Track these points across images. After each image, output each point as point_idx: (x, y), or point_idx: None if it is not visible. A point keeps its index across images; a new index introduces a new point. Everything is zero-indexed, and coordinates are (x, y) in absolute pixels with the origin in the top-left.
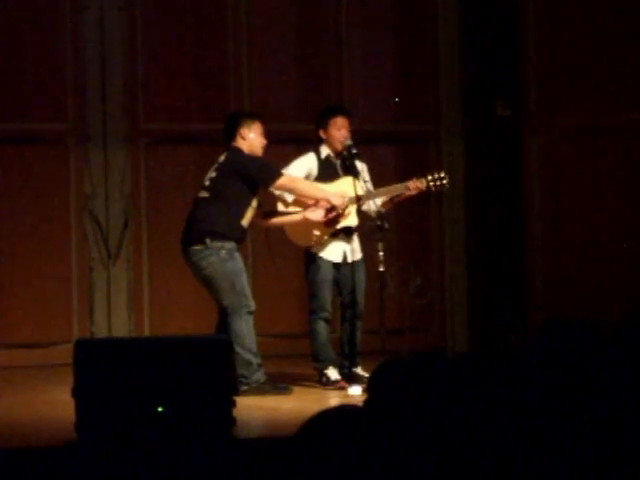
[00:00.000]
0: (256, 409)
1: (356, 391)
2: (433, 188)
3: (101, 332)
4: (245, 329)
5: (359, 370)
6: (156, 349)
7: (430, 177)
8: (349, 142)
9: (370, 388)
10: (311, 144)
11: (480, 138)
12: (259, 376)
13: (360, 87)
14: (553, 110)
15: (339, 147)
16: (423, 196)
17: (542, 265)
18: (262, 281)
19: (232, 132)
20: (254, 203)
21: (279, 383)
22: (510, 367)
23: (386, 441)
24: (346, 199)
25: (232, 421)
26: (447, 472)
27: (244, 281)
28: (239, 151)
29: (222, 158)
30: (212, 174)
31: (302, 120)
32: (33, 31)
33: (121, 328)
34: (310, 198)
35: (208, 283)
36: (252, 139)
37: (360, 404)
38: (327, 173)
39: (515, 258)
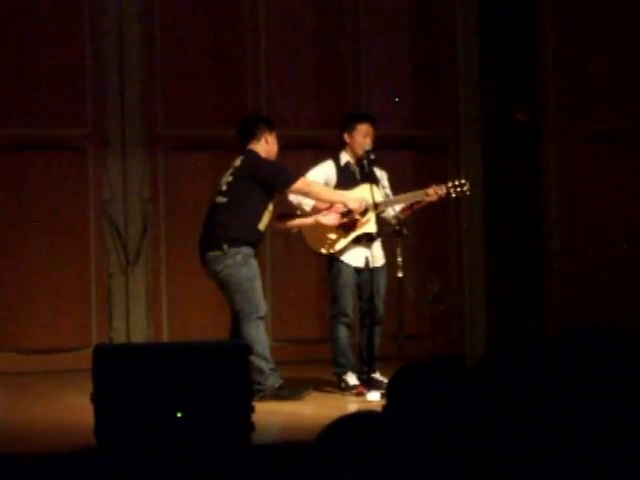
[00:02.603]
0: (274, 414)
1: (375, 396)
2: (454, 194)
3: (120, 337)
4: (255, 334)
5: (378, 375)
6: (175, 354)
7: (450, 184)
8: (368, 147)
9: (389, 393)
10: (329, 150)
11: (498, 143)
12: (273, 381)
13: (378, 93)
14: (571, 115)
15: (360, 153)
16: (442, 202)
17: (561, 270)
18: (282, 286)
19: (251, 133)
20: (271, 207)
21: (297, 387)
22: (528, 373)
23: (404, 447)
24: (363, 203)
25: (251, 426)
26: (465, 477)
27: (257, 287)
28: (255, 154)
29: (238, 162)
30: (228, 178)
31: (320, 126)
32: (51, 37)
33: (140, 333)
34: (326, 201)
35: (222, 287)
36: (272, 145)
37: (378, 409)
38: (346, 180)
39: (534, 263)
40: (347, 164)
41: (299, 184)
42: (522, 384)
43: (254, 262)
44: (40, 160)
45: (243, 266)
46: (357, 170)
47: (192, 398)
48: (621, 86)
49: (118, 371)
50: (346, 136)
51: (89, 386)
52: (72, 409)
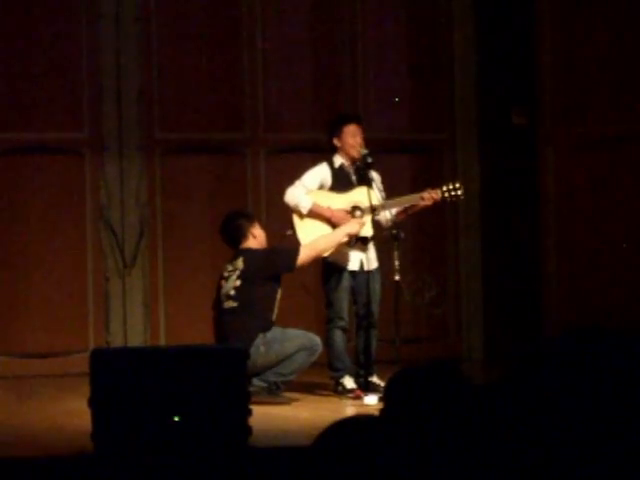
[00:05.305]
0: (272, 418)
1: (372, 400)
2: (448, 199)
3: (117, 341)
4: (303, 362)
5: (375, 379)
6: (172, 358)
7: (445, 187)
8: (365, 151)
9: (386, 397)
10: (326, 152)
11: (495, 147)
12: (256, 381)
13: (375, 96)
14: (569, 119)
15: (355, 154)
16: (438, 206)
17: (558, 273)
18: None
19: (238, 236)
20: (279, 294)
21: (283, 392)
22: (526, 375)
23: (402, 450)
24: (353, 213)
25: (248, 430)
26: None
27: (295, 332)
28: (253, 252)
29: (240, 265)
30: (236, 283)
31: (317, 129)
32: (49, 41)
33: (137, 337)
34: (334, 246)
35: (271, 365)
36: (259, 236)
37: (376, 413)
38: (341, 182)
39: (531, 266)
40: (341, 166)
41: (304, 254)
42: (520, 386)
43: (273, 330)
44: (37, 164)
45: (271, 348)
46: (352, 172)
47: (189, 402)
48: (619, 89)
49: (115, 375)
50: (336, 141)
51: (86, 390)
52: (69, 413)
